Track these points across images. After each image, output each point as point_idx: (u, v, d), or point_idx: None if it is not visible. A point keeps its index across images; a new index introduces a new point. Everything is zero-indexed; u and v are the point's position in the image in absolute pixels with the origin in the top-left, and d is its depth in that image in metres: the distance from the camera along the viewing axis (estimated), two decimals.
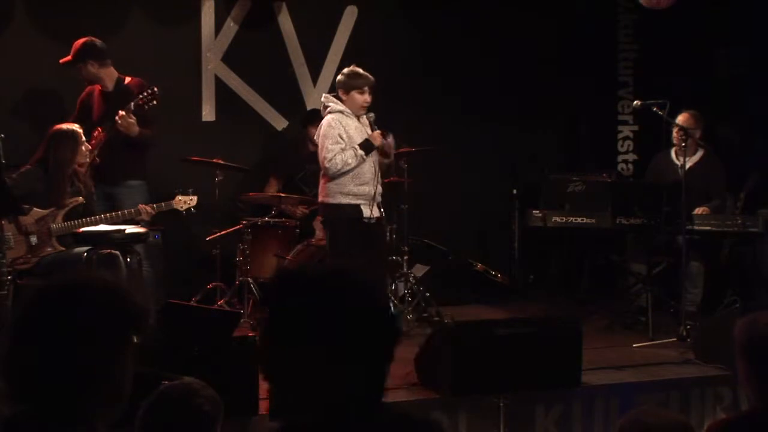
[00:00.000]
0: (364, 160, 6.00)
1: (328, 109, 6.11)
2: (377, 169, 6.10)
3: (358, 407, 1.80)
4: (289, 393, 1.82)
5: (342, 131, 5.99)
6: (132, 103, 6.44)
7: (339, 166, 5.94)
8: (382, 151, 6.14)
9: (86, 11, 7.27)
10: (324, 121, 6.09)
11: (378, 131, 6.07)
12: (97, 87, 6.70)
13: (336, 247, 6.16)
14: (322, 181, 6.13)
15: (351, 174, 5.99)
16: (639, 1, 7.30)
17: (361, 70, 6.13)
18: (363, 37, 8.10)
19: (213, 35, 7.77)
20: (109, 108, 6.57)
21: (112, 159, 6.49)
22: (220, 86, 7.77)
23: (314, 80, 7.99)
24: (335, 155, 5.93)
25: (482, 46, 8.44)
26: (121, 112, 6.35)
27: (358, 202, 6.03)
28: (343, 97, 6.09)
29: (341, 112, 6.06)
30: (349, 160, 5.94)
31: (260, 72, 7.90)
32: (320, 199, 6.17)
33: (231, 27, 7.81)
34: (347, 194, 6.03)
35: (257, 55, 7.89)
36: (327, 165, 5.97)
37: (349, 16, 8.14)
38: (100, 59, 6.65)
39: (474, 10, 8.38)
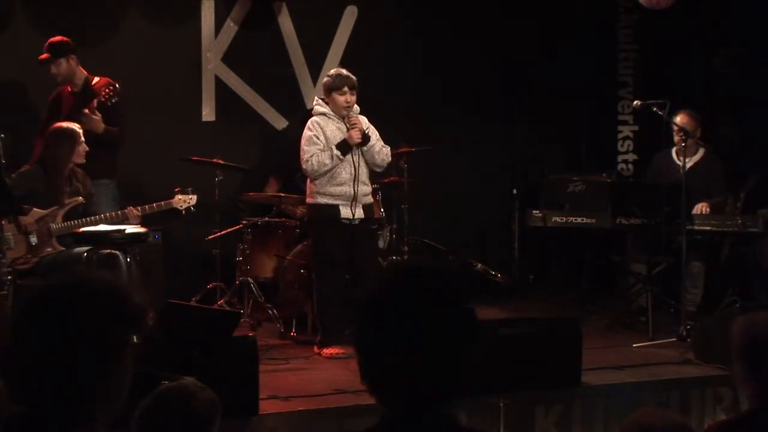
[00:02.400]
0: (341, 160, 6.00)
1: (313, 111, 6.15)
2: (358, 169, 6.07)
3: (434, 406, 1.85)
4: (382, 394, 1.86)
5: (319, 132, 6.02)
6: (95, 100, 6.50)
7: (315, 167, 5.97)
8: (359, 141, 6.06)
9: (86, 11, 7.28)
10: (306, 125, 6.12)
11: (354, 129, 6.01)
12: (67, 87, 6.68)
13: (316, 247, 6.19)
14: (307, 183, 6.17)
15: (328, 175, 6.01)
16: (639, 1, 7.31)
17: (344, 71, 6.11)
18: (363, 37, 8.11)
19: (213, 35, 7.78)
20: (77, 107, 6.57)
21: (88, 160, 6.48)
22: (220, 86, 7.78)
23: (314, 80, 7.99)
24: (311, 156, 5.97)
25: (482, 45, 8.45)
26: (86, 111, 6.40)
27: (336, 202, 6.04)
28: (327, 99, 6.10)
29: (323, 114, 6.09)
30: (326, 161, 5.96)
31: (260, 72, 7.90)
32: (306, 200, 6.22)
33: (231, 27, 7.81)
34: (324, 194, 6.05)
35: (257, 55, 7.90)
36: (304, 166, 6.04)
37: (349, 16, 8.15)
38: (76, 56, 6.66)
39: (474, 9, 8.39)
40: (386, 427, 1.86)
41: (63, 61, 6.60)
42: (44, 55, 6.60)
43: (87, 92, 6.63)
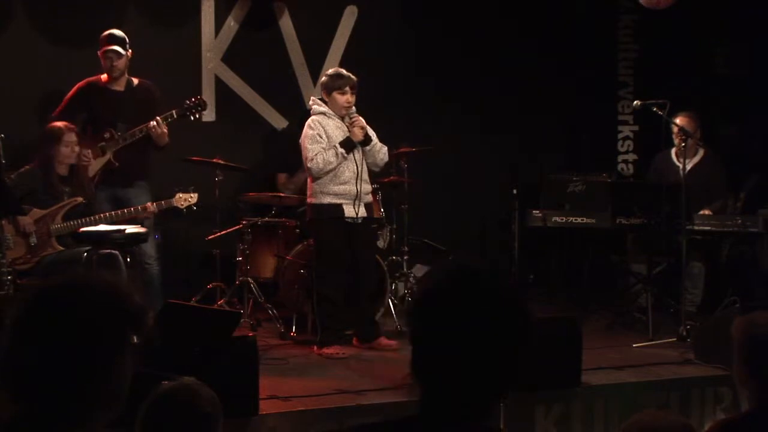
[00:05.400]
0: (345, 158, 6.00)
1: (311, 111, 6.16)
2: (360, 167, 6.08)
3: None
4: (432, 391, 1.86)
5: (321, 131, 6.03)
6: (174, 111, 6.48)
7: (321, 165, 5.97)
8: (363, 141, 6.07)
9: (86, 11, 7.28)
10: (306, 124, 6.12)
11: (356, 126, 6.02)
12: (97, 84, 6.60)
13: (319, 246, 6.18)
14: (308, 182, 6.16)
15: (331, 174, 6.01)
16: (639, 1, 7.31)
17: (343, 71, 6.12)
18: (363, 37, 8.11)
19: (213, 35, 7.78)
20: (123, 109, 6.52)
21: (126, 161, 6.49)
22: (220, 86, 7.78)
23: (314, 80, 7.99)
24: (316, 155, 5.97)
25: (482, 46, 8.45)
26: (159, 120, 6.37)
27: (340, 201, 6.04)
28: (326, 99, 6.11)
29: (323, 113, 6.10)
30: (331, 159, 5.96)
31: (260, 72, 7.91)
32: (307, 199, 6.21)
33: (231, 27, 7.81)
34: (328, 194, 6.04)
35: (257, 55, 7.90)
36: (309, 165, 6.02)
37: (349, 16, 8.15)
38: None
39: (473, 9, 8.39)
40: (430, 417, 1.86)
41: (125, 56, 6.54)
42: (112, 46, 6.48)
43: (133, 94, 6.58)
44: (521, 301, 1.89)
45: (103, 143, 6.46)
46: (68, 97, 6.61)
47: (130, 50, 6.56)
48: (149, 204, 6.20)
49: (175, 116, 6.50)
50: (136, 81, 6.66)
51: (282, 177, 7.61)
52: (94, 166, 6.49)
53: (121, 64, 6.52)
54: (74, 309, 1.85)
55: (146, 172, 6.69)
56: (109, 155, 6.48)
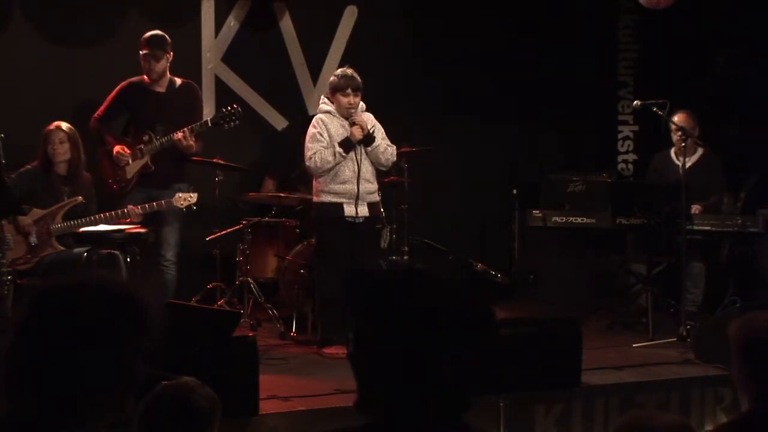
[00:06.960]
0: (344, 157, 6.00)
1: (318, 108, 6.16)
2: (360, 167, 6.07)
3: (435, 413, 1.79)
4: (373, 391, 1.81)
5: (322, 130, 6.04)
6: (209, 120, 6.47)
7: (318, 164, 5.98)
8: (364, 139, 6.06)
9: (86, 11, 7.28)
10: (311, 122, 6.14)
11: (355, 126, 6.02)
12: (139, 85, 6.57)
13: (320, 245, 6.20)
14: (313, 181, 6.18)
15: (332, 173, 6.02)
16: (639, 1, 7.31)
17: (349, 72, 6.11)
18: (363, 37, 8.11)
19: (213, 35, 7.78)
20: (163, 111, 6.50)
21: (163, 164, 6.48)
22: (220, 86, 7.77)
23: (314, 80, 7.99)
24: (314, 153, 5.98)
25: (482, 45, 8.45)
26: (186, 132, 6.33)
27: (340, 200, 6.04)
28: (332, 99, 6.12)
29: (328, 112, 6.10)
30: (329, 158, 5.97)
31: (260, 72, 7.90)
32: (312, 198, 6.21)
33: (231, 27, 7.81)
34: (328, 192, 6.05)
35: (257, 55, 7.90)
36: (307, 163, 6.05)
37: (349, 16, 8.15)
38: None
39: (474, 9, 8.39)
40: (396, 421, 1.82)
41: (165, 58, 6.52)
42: (151, 49, 6.44)
43: (174, 96, 6.56)
44: (475, 300, 1.84)
45: (141, 146, 6.47)
46: (110, 97, 6.61)
47: (171, 52, 6.53)
48: (131, 207, 6.17)
49: (210, 124, 6.47)
50: (179, 81, 6.64)
51: (269, 183, 7.58)
52: (132, 168, 6.48)
53: (159, 67, 6.49)
54: (74, 309, 1.85)
55: (185, 175, 6.65)
56: (146, 158, 6.48)
